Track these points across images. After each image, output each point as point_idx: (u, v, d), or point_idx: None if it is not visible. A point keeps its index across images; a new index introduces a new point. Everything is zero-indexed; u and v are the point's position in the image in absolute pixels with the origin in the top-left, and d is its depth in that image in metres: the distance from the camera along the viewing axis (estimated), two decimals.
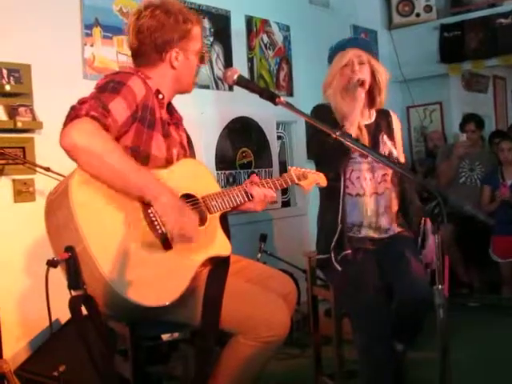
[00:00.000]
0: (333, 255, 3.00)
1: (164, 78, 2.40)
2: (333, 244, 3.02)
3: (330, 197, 3.08)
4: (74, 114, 2.04)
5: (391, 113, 3.30)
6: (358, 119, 3.01)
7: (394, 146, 3.17)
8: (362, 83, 3.00)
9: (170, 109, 2.52)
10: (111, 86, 2.18)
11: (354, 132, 2.94)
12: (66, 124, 2.04)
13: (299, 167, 2.75)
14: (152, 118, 2.28)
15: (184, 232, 2.12)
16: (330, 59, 3.19)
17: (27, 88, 3.74)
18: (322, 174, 2.81)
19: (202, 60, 2.50)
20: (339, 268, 2.98)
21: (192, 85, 2.53)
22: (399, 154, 3.21)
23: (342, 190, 3.04)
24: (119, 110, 2.14)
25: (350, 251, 2.99)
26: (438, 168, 6.14)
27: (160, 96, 2.37)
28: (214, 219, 2.35)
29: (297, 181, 2.67)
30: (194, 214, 2.19)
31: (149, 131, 2.27)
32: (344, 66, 3.08)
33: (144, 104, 2.25)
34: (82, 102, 2.10)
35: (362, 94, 3.00)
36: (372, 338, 2.91)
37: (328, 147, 2.79)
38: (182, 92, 2.53)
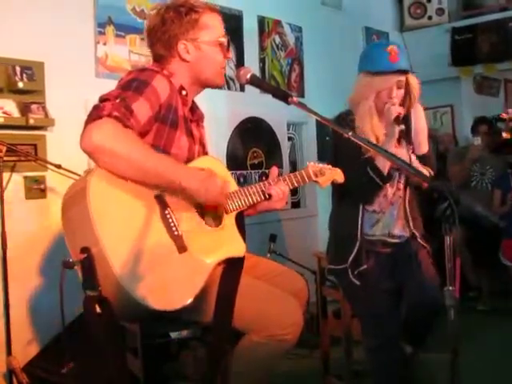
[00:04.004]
0: (350, 271, 2.94)
1: (181, 74, 2.34)
2: (351, 258, 2.94)
3: (348, 208, 3.02)
4: (95, 115, 1.99)
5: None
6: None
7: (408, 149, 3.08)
8: (397, 119, 2.85)
9: (192, 106, 2.48)
10: (135, 85, 2.14)
11: (387, 167, 2.86)
12: (87, 123, 1.99)
13: (317, 163, 2.65)
14: (175, 117, 2.25)
15: (220, 204, 2.26)
16: (363, 68, 2.99)
17: (40, 85, 3.77)
18: (339, 170, 2.68)
19: (221, 47, 2.38)
20: (357, 283, 2.92)
21: (218, 76, 2.43)
22: (424, 142, 3.04)
23: (361, 207, 2.97)
24: (142, 110, 2.10)
25: (366, 266, 2.92)
26: (449, 171, 6.11)
27: (183, 92, 2.33)
28: (229, 218, 2.33)
29: (314, 178, 2.57)
30: (217, 183, 2.19)
31: (171, 130, 2.23)
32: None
33: (168, 104, 2.21)
34: (104, 99, 2.07)
35: (397, 133, 2.84)
36: (381, 341, 2.90)
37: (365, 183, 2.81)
38: (208, 85, 2.45)
